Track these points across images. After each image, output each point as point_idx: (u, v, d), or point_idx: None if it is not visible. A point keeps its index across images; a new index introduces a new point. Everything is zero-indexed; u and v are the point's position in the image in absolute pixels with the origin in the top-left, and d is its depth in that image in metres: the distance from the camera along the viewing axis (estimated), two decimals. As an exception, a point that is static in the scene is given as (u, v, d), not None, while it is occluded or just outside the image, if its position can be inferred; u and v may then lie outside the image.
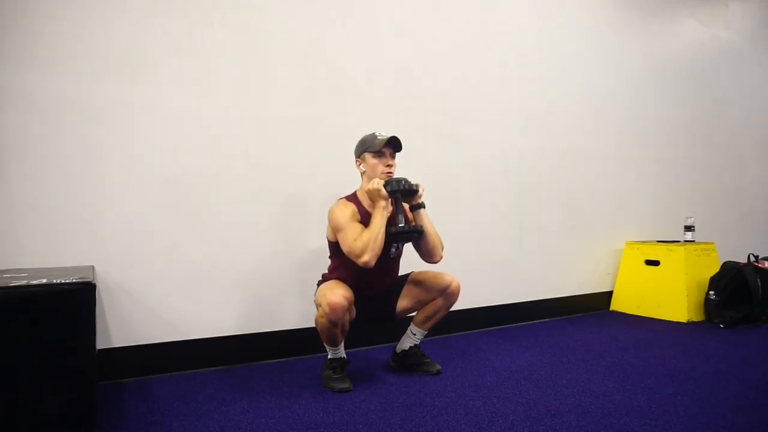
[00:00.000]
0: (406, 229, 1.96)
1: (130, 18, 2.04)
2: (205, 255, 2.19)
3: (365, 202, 2.04)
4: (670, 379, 2.05)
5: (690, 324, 3.10)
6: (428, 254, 2.08)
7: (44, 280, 1.44)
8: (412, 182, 1.98)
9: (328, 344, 1.99)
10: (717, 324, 3.04)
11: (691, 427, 1.59)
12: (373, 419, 1.66)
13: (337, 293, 1.85)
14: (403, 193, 1.98)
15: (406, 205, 2.06)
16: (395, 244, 2.04)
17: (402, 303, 2.13)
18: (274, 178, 2.34)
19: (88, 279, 1.49)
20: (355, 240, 1.87)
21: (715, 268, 3.28)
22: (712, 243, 3.47)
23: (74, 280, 1.46)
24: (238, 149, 2.26)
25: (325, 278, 2.09)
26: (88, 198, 1.98)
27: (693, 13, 4.14)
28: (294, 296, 2.39)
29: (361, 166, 2.06)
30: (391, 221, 1.96)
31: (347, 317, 1.93)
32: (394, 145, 2.02)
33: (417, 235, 2.01)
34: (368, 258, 1.85)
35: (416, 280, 2.13)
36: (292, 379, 2.06)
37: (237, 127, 2.26)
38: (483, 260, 2.95)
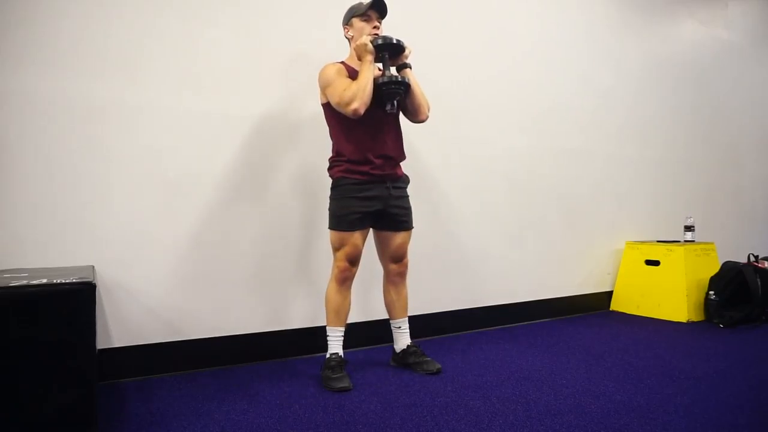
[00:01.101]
0: (393, 79, 1.99)
1: (129, 18, 2.04)
2: (205, 255, 2.19)
3: (354, 65, 2.07)
4: (670, 379, 2.05)
5: (690, 324, 3.10)
6: (415, 111, 2.13)
7: (44, 280, 1.44)
8: (401, 39, 2.03)
9: (331, 321, 2.04)
10: (717, 324, 3.04)
11: (691, 427, 1.59)
12: (373, 419, 1.66)
13: (347, 254, 2.00)
14: (390, 49, 2.02)
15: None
16: (390, 102, 2.03)
17: (385, 236, 2.14)
18: (274, 178, 2.34)
19: (88, 279, 1.49)
20: (344, 90, 1.94)
21: (715, 268, 3.28)
22: (712, 243, 3.47)
23: (74, 280, 1.45)
24: (238, 149, 2.26)
25: (334, 165, 2.08)
26: (88, 198, 1.98)
27: (693, 13, 4.14)
28: (294, 296, 2.39)
29: (349, 32, 2.13)
30: (379, 76, 2.01)
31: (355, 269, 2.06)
32: (379, 7, 2.08)
33: (404, 88, 2.03)
34: (357, 105, 1.90)
35: (404, 237, 2.14)
36: (292, 379, 2.06)
37: (237, 127, 2.26)
38: (483, 260, 2.95)
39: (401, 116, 2.19)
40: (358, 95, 1.91)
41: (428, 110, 2.16)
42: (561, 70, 3.31)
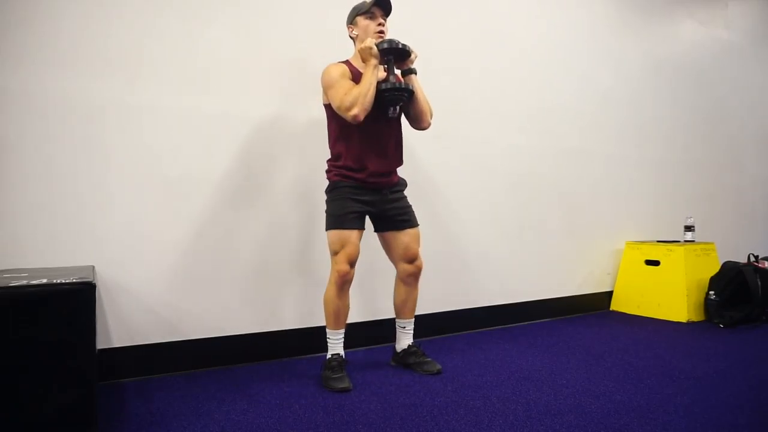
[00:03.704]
0: (397, 86, 1.96)
1: (129, 18, 2.04)
2: (205, 255, 2.19)
3: (358, 65, 2.04)
4: (670, 379, 2.05)
5: (690, 324, 3.10)
6: (417, 119, 2.11)
7: (44, 280, 1.44)
8: (406, 44, 2.00)
9: (331, 325, 2.02)
10: (717, 324, 3.04)
11: (691, 427, 1.59)
12: (373, 419, 1.66)
13: (347, 255, 1.95)
14: (395, 54, 1.99)
15: (398, 72, 2.06)
16: (392, 107, 2.02)
17: (390, 236, 2.13)
18: (274, 177, 2.34)
19: (88, 279, 1.49)
20: (346, 94, 1.90)
21: (715, 268, 3.28)
22: (712, 243, 3.47)
23: (74, 280, 1.45)
24: (238, 149, 2.26)
25: (332, 168, 2.07)
26: (88, 198, 1.98)
27: (692, 13, 4.14)
28: (294, 296, 2.39)
29: (353, 32, 2.09)
30: (382, 81, 1.98)
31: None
32: (383, 5, 2.05)
33: (407, 95, 2.01)
34: (357, 111, 1.87)
35: (411, 234, 2.13)
36: (292, 379, 2.06)
37: (237, 127, 2.26)
38: (483, 260, 2.95)
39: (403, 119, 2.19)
40: (359, 101, 1.88)
41: (431, 117, 2.14)
42: (561, 70, 3.30)
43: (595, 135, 3.48)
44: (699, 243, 3.42)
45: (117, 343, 2.04)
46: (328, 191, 2.08)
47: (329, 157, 2.11)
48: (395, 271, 2.20)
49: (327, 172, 2.11)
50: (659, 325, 3.10)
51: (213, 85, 2.21)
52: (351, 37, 2.12)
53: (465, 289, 2.87)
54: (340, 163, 2.04)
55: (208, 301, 2.20)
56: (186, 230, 2.16)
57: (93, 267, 1.90)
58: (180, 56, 2.14)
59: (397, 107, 2.05)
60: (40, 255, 1.89)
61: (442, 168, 2.80)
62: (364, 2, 2.07)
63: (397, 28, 2.68)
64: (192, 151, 2.16)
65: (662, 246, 3.34)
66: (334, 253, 2.00)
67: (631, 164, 3.69)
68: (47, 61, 1.90)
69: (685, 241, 3.46)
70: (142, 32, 2.06)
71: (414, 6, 2.72)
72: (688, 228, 3.48)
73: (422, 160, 2.68)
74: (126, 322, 2.05)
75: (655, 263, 3.33)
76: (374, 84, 1.92)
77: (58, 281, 1.43)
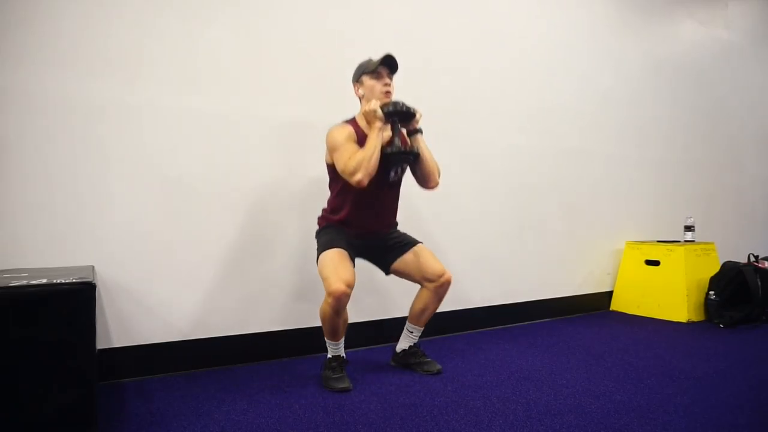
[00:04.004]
0: (402, 150, 1.95)
1: (130, 18, 2.04)
2: (205, 255, 2.19)
3: (363, 126, 2.03)
4: (670, 379, 2.05)
5: (690, 324, 3.10)
6: (425, 179, 2.08)
7: (44, 280, 1.44)
8: (411, 106, 1.98)
9: (329, 338, 1.99)
10: (717, 324, 3.04)
11: (691, 427, 1.59)
12: (373, 419, 1.66)
13: (341, 279, 1.82)
14: (401, 116, 1.97)
15: (403, 130, 2.05)
16: (394, 168, 2.02)
17: (399, 264, 2.11)
18: (274, 178, 2.34)
19: (88, 279, 1.49)
20: (350, 158, 1.88)
21: (715, 268, 3.28)
22: (712, 243, 3.47)
23: (74, 280, 1.45)
24: (238, 149, 2.26)
25: (324, 216, 2.08)
26: (88, 198, 1.98)
27: (692, 13, 4.14)
28: (294, 296, 2.39)
29: (359, 91, 2.07)
30: (388, 145, 1.97)
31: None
32: (390, 64, 2.03)
33: (413, 158, 2.00)
34: (361, 176, 1.85)
35: (417, 252, 2.11)
36: (292, 379, 2.06)
37: (237, 127, 2.26)
38: (483, 260, 2.95)
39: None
40: (363, 165, 1.85)
41: (439, 176, 2.10)
42: (561, 70, 3.31)
43: (595, 135, 3.48)
44: (699, 243, 3.42)
45: (117, 343, 2.04)
46: (317, 234, 2.10)
47: (325, 206, 2.12)
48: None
49: (319, 218, 2.12)
50: (659, 325, 3.10)
51: (213, 85, 2.21)
52: (357, 96, 2.09)
53: (465, 289, 2.87)
54: (334, 217, 2.06)
55: (208, 301, 2.20)
56: (186, 230, 2.16)
57: (93, 267, 1.90)
58: (180, 56, 2.14)
59: (399, 171, 2.05)
60: (40, 255, 1.89)
61: (442, 168, 2.79)
62: (370, 61, 2.04)
63: (397, 28, 2.69)
64: (192, 151, 2.16)
65: (662, 246, 3.34)
66: (326, 278, 1.87)
67: (631, 164, 3.69)
68: (47, 61, 1.90)
69: (685, 241, 3.46)
70: (142, 32, 2.06)
71: (414, 6, 2.72)
72: (688, 228, 3.48)
73: (422, 160, 2.68)
74: (126, 322, 2.05)
75: (655, 263, 3.33)
76: (378, 148, 1.90)
77: (58, 281, 1.43)
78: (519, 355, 2.41)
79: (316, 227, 2.15)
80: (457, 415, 1.69)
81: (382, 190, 2.03)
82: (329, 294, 1.83)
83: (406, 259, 2.10)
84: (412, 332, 2.18)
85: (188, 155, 2.16)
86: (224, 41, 2.23)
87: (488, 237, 2.99)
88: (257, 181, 2.31)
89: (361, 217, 2.03)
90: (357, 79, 2.07)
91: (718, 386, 1.96)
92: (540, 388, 1.95)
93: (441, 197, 2.79)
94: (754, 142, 4.68)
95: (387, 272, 2.16)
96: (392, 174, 2.03)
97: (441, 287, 2.07)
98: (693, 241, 3.45)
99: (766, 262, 3.21)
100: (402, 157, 1.98)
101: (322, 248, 2.00)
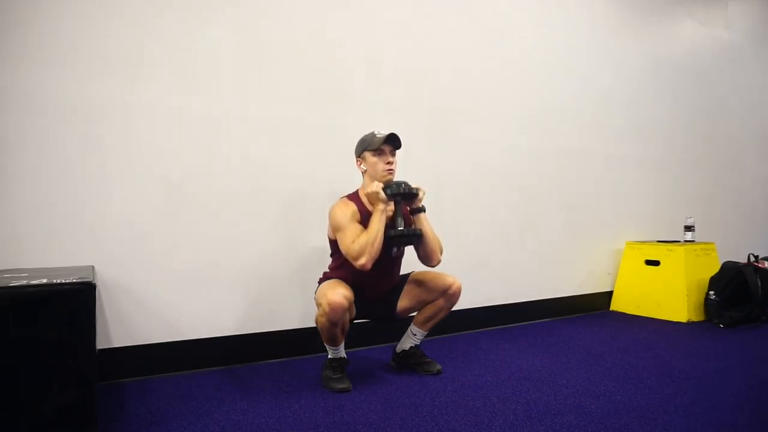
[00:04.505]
0: (405, 232, 1.96)
1: (130, 18, 2.04)
2: (205, 255, 2.19)
3: (366, 202, 2.03)
4: (670, 379, 2.05)
5: (690, 324, 3.10)
6: (427, 258, 2.08)
7: (44, 280, 1.44)
8: (413, 186, 1.98)
9: (328, 344, 1.99)
10: (717, 324, 3.04)
11: (691, 427, 1.59)
12: (373, 419, 1.66)
13: (338, 292, 1.84)
14: (403, 197, 1.98)
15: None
16: (396, 247, 2.03)
17: (403, 303, 2.13)
18: (274, 177, 2.34)
19: (88, 279, 1.49)
20: (353, 242, 1.88)
21: (715, 268, 3.28)
22: (712, 243, 3.47)
23: (74, 280, 1.45)
24: (238, 149, 2.26)
25: (326, 276, 2.09)
26: (88, 198, 1.98)
27: (692, 13, 4.14)
28: (294, 296, 2.39)
29: (362, 166, 2.06)
30: (390, 224, 1.97)
31: (347, 317, 1.93)
32: (393, 141, 2.02)
33: (416, 239, 2.01)
34: (365, 261, 1.86)
35: (417, 280, 2.13)
36: (292, 379, 2.06)
37: (237, 127, 2.26)
38: (483, 260, 2.95)
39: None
40: (366, 250, 1.86)
41: (441, 254, 2.10)
42: (561, 70, 3.30)
43: (595, 135, 3.48)
44: (699, 243, 3.42)
45: (117, 343, 2.04)
46: (319, 283, 2.09)
47: (327, 270, 2.11)
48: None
49: (320, 280, 2.10)
50: (659, 325, 3.10)
51: (213, 85, 2.21)
52: (359, 169, 2.09)
53: (465, 289, 2.84)
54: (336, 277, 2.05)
55: (208, 301, 2.20)
56: (186, 230, 2.16)
57: (93, 267, 1.90)
58: (180, 56, 2.14)
59: (401, 248, 2.06)
60: (40, 255, 1.89)
61: (442, 168, 2.80)
62: (373, 137, 2.02)
63: (397, 28, 2.69)
64: (192, 151, 2.16)
65: (662, 246, 3.34)
66: (322, 295, 1.88)
67: (631, 164, 3.69)
68: (47, 61, 1.90)
69: (685, 241, 3.46)
70: (142, 32, 2.06)
71: (414, 6, 2.72)
72: (688, 228, 3.48)
73: (422, 159, 2.68)
74: (126, 322, 2.05)
75: (655, 263, 3.33)
76: (382, 231, 1.91)
77: (58, 281, 1.43)
78: (519, 355, 2.41)
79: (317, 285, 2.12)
80: (457, 415, 1.69)
81: (384, 264, 2.00)
82: (326, 304, 1.82)
83: (409, 293, 2.12)
84: (415, 335, 2.18)
85: (188, 155, 2.16)
86: (224, 41, 2.23)
87: (488, 237, 2.99)
88: (257, 181, 2.30)
89: (364, 286, 2.03)
90: (359, 154, 2.06)
91: (718, 386, 1.96)
92: (540, 388, 1.95)
93: (441, 197, 2.80)
94: (754, 142, 4.68)
95: (394, 317, 2.14)
96: (394, 251, 2.04)
97: (453, 295, 2.08)
98: (693, 241, 3.45)
99: (766, 262, 3.21)
100: (405, 239, 1.99)
101: (321, 285, 2.01)
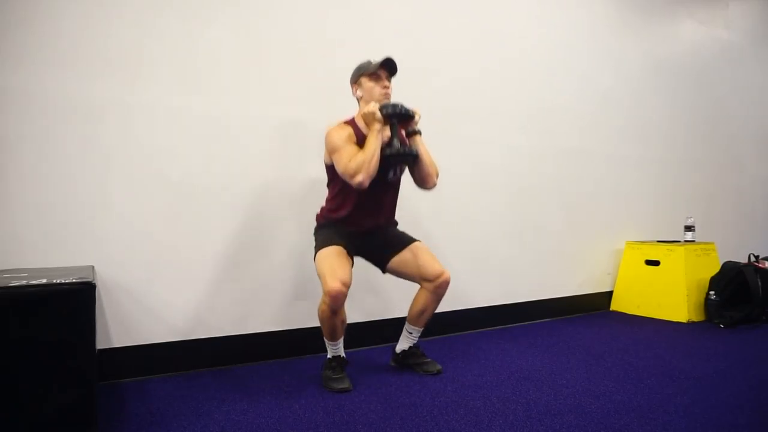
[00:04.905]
0: (401, 151, 1.97)
1: (130, 18, 2.04)
2: (205, 255, 2.19)
3: (362, 126, 2.03)
4: (670, 379, 2.05)
5: (690, 324, 3.10)
6: (422, 180, 2.09)
7: (44, 280, 1.44)
8: (409, 107, 1.99)
9: (328, 338, 1.99)
10: (717, 324, 3.04)
11: (691, 427, 1.59)
12: (373, 419, 1.66)
13: (336, 278, 1.83)
14: (399, 118, 1.98)
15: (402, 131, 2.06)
16: (393, 169, 2.03)
17: (395, 262, 2.10)
18: (274, 177, 2.34)
19: (88, 279, 1.49)
20: (350, 160, 1.89)
21: (715, 268, 3.28)
22: (712, 243, 3.47)
23: (74, 280, 1.45)
24: (238, 149, 2.26)
25: (323, 217, 2.08)
26: (88, 198, 1.98)
27: (693, 13, 4.14)
28: (294, 296, 2.39)
29: (357, 92, 2.08)
30: (387, 145, 1.98)
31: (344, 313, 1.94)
32: (389, 66, 2.04)
33: (412, 159, 2.01)
34: (362, 178, 1.87)
35: (415, 251, 2.09)
36: (292, 379, 2.06)
37: (237, 128, 2.26)
38: (483, 260, 2.95)
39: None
40: (363, 167, 1.87)
41: (437, 177, 2.11)
42: (561, 70, 3.30)
43: (595, 135, 3.48)
44: (699, 243, 3.42)
45: (117, 343, 2.04)
46: (315, 231, 2.10)
47: (323, 204, 2.12)
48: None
49: (317, 215, 2.12)
50: (659, 325, 3.10)
51: (213, 85, 2.21)
52: (355, 96, 2.10)
53: (465, 289, 2.87)
54: (333, 215, 2.06)
55: (208, 301, 2.20)
56: (186, 230, 2.16)
57: (93, 267, 1.90)
58: (180, 56, 2.14)
59: (397, 171, 2.06)
60: (40, 255, 1.89)
61: (442, 168, 2.78)
62: (369, 63, 2.04)
63: (397, 28, 2.69)
64: (192, 151, 2.16)
65: (662, 246, 3.34)
66: (322, 276, 1.89)
67: (631, 164, 3.69)
68: (47, 61, 1.90)
69: (685, 241, 3.46)
70: (142, 32, 2.06)
71: (414, 6, 2.72)
72: (688, 228, 3.48)
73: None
74: (126, 322, 2.05)
75: (655, 263, 3.33)
76: (378, 149, 1.92)
77: (58, 281, 1.43)
78: (519, 355, 2.41)
79: (314, 224, 2.14)
80: (457, 415, 1.69)
81: (381, 190, 2.03)
82: (326, 293, 1.84)
83: (404, 258, 2.09)
84: (411, 333, 2.18)
85: (188, 155, 2.16)
86: (224, 41, 2.23)
87: (488, 237, 2.99)
88: (257, 181, 2.31)
89: (361, 216, 2.03)
90: (355, 80, 2.08)
91: (718, 386, 1.96)
92: (540, 388, 1.95)
93: (441, 197, 2.79)
94: (754, 142, 4.68)
95: (384, 270, 2.15)
96: (391, 174, 2.04)
97: (440, 287, 2.05)
98: (693, 241, 3.45)
99: (766, 262, 3.21)
100: (401, 158, 1.99)
101: (319, 245, 2.01)
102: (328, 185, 2.12)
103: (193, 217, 2.17)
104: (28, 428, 1.38)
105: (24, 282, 1.41)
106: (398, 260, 2.10)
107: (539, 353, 2.44)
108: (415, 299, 2.14)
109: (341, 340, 2.01)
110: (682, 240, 3.49)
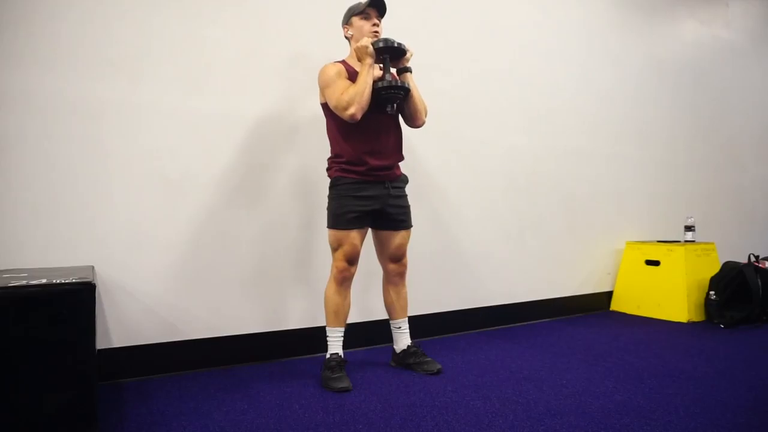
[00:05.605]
0: (393, 84, 1.98)
1: (130, 18, 2.04)
2: (205, 255, 2.19)
3: (354, 64, 2.06)
4: (670, 379, 2.05)
5: (690, 324, 3.10)
6: (412, 117, 2.13)
7: (44, 280, 1.44)
8: (401, 42, 2.01)
9: (330, 323, 2.03)
10: (717, 324, 3.04)
11: (691, 427, 1.59)
12: (373, 419, 1.66)
13: (345, 254, 1.99)
14: (391, 52, 2.01)
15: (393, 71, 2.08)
16: (390, 104, 2.04)
17: (384, 235, 2.13)
18: (273, 178, 2.34)
19: (88, 279, 1.49)
20: (342, 94, 1.93)
21: (715, 268, 3.28)
22: (712, 243, 3.47)
23: (74, 280, 1.46)
24: (238, 149, 2.26)
25: (332, 164, 2.08)
26: (88, 198, 1.98)
27: (693, 13, 4.14)
28: (294, 296, 2.39)
29: (348, 32, 2.12)
30: (379, 79, 2.00)
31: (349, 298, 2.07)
32: (378, 5, 2.07)
33: (403, 93, 2.03)
34: (354, 110, 1.90)
35: (401, 232, 2.12)
36: (292, 379, 2.06)
37: (237, 127, 2.26)
38: (483, 260, 2.95)
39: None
40: (355, 100, 1.90)
41: (425, 115, 2.15)
42: (561, 70, 3.30)
43: (595, 135, 3.48)
44: (699, 243, 3.42)
45: (117, 343, 2.04)
46: (331, 187, 2.10)
47: (329, 155, 2.12)
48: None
49: (328, 169, 2.12)
50: (659, 325, 3.10)
51: (213, 84, 2.21)
52: (346, 37, 2.14)
53: (465, 289, 2.87)
54: (340, 159, 2.06)
55: (208, 301, 2.20)
56: (186, 230, 2.16)
57: (93, 267, 1.90)
58: (180, 56, 2.14)
59: (395, 105, 2.06)
60: (40, 255, 1.90)
61: (443, 168, 2.80)
62: (359, 3, 2.09)
63: (397, 28, 2.68)
64: (192, 151, 2.16)
65: (662, 246, 3.34)
66: (334, 251, 2.05)
67: (631, 164, 3.69)
68: (47, 61, 1.90)
69: (686, 241, 3.46)
70: (143, 32, 2.06)
71: (414, 6, 2.72)
72: (689, 228, 3.48)
73: (422, 160, 2.68)
74: (126, 322, 2.05)
75: (656, 263, 3.33)
76: (370, 83, 1.95)
77: (58, 281, 1.44)
78: (519, 355, 2.41)
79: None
80: (457, 415, 1.69)
81: (379, 121, 2.04)
82: (334, 267, 2.01)
83: (393, 237, 2.12)
84: (399, 327, 2.20)
85: (188, 155, 2.16)
86: (225, 41, 2.23)
87: (488, 237, 2.99)
88: (258, 181, 2.31)
89: (366, 153, 2.02)
90: (346, 21, 2.12)
91: (719, 386, 1.96)
92: (540, 388, 1.95)
93: (441, 197, 2.80)
94: (754, 142, 4.68)
95: (372, 228, 2.14)
96: (389, 108, 2.05)
97: (399, 273, 2.17)
98: (693, 241, 3.45)
99: (766, 262, 3.20)
100: (393, 91, 1.99)
101: (330, 221, 2.05)
102: (327, 127, 2.11)
103: (193, 217, 2.17)
104: (29, 428, 1.38)
105: (24, 282, 1.41)
106: (389, 236, 2.13)
107: (539, 353, 2.44)
108: (384, 296, 2.21)
109: (342, 332, 2.03)
110: (682, 240, 3.49)
